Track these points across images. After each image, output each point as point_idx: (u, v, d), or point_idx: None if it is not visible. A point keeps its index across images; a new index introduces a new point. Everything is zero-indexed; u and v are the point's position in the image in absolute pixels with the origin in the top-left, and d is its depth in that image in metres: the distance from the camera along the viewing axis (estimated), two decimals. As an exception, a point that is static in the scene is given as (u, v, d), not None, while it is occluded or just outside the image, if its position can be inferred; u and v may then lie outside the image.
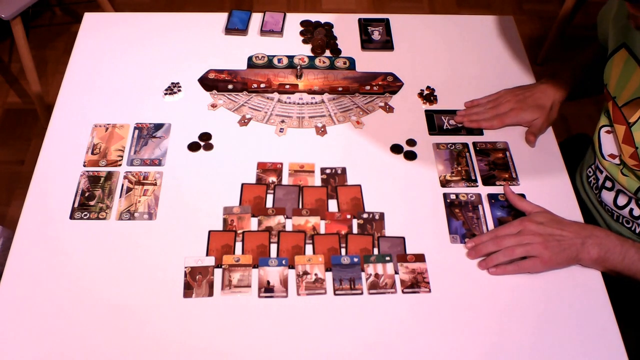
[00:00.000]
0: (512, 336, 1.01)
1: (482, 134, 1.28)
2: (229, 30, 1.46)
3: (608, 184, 1.22)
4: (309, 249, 1.10)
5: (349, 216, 1.14)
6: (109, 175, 1.19)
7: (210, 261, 1.07)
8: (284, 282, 1.06)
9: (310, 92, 1.35)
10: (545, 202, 1.16)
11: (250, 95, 1.34)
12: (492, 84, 1.36)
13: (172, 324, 1.01)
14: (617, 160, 1.18)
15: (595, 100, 2.43)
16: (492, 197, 1.18)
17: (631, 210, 1.18)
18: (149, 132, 1.26)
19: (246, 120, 1.29)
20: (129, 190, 1.17)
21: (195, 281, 1.05)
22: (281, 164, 1.22)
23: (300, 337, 1.01)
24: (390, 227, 1.14)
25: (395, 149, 1.26)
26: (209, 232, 1.12)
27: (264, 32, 1.47)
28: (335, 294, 1.05)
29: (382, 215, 1.15)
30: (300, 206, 1.16)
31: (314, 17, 1.51)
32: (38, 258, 1.07)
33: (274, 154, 1.24)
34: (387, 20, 1.51)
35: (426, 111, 1.32)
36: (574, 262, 1.08)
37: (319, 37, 1.45)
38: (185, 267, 1.07)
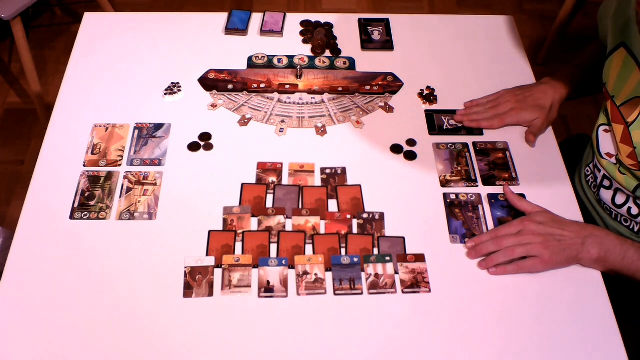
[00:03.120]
0: (512, 336, 1.01)
1: (482, 134, 1.28)
2: (229, 30, 1.47)
3: (606, 182, 1.22)
4: (309, 249, 1.11)
5: (349, 216, 1.14)
6: (109, 175, 1.19)
7: (210, 261, 1.07)
8: (284, 282, 1.06)
9: (310, 92, 1.35)
10: (545, 202, 1.16)
11: (250, 95, 1.34)
12: (492, 84, 1.36)
13: (172, 324, 1.01)
14: (613, 160, 1.18)
15: (595, 101, 2.44)
16: (492, 197, 1.18)
17: (629, 209, 1.18)
18: (149, 132, 1.26)
19: (246, 120, 1.29)
20: (129, 190, 1.17)
21: (195, 281, 1.05)
22: (281, 164, 1.22)
23: (300, 337, 1.01)
24: (390, 227, 1.14)
25: (395, 149, 1.26)
26: (209, 232, 1.12)
27: (264, 32, 1.47)
28: (335, 294, 1.05)
29: (382, 215, 1.15)
30: (300, 206, 1.16)
31: (314, 17, 1.51)
32: (38, 258, 1.07)
33: (274, 154, 1.24)
34: (387, 20, 1.51)
35: (426, 111, 1.32)
36: (574, 262, 1.08)
37: (319, 37, 1.46)
38: (185, 267, 1.07)
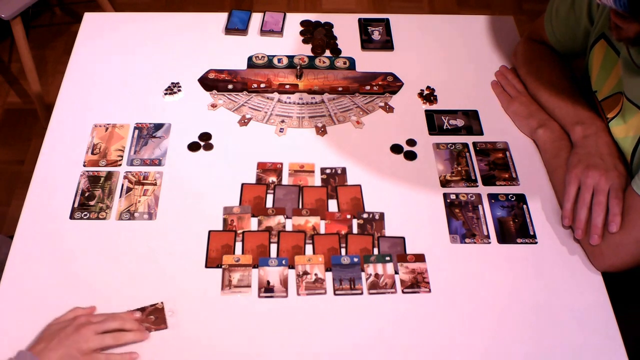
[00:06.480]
0: (512, 336, 1.01)
1: (482, 134, 1.28)
2: (229, 30, 1.47)
3: None
4: (309, 249, 1.11)
5: (349, 216, 1.14)
6: (109, 175, 1.19)
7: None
8: (284, 282, 1.06)
9: (310, 92, 1.35)
10: (545, 202, 1.17)
11: (250, 95, 1.34)
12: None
13: (171, 323, 1.01)
14: None
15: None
16: (492, 197, 1.18)
17: None
18: (149, 132, 1.26)
19: (246, 120, 1.29)
20: (129, 190, 1.17)
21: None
22: (281, 164, 1.22)
23: (300, 337, 1.01)
24: (390, 227, 1.14)
25: (395, 149, 1.26)
26: (209, 232, 1.12)
27: (264, 32, 1.47)
28: (335, 294, 1.05)
29: (382, 215, 1.15)
30: (300, 206, 1.16)
31: (314, 17, 1.51)
32: (38, 258, 1.07)
33: (274, 154, 1.24)
34: (387, 20, 1.51)
35: (426, 111, 1.32)
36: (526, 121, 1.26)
37: (319, 37, 1.46)
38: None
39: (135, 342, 0.98)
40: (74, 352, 0.93)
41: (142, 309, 1.01)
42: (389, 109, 1.33)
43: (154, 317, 1.01)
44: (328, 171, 1.21)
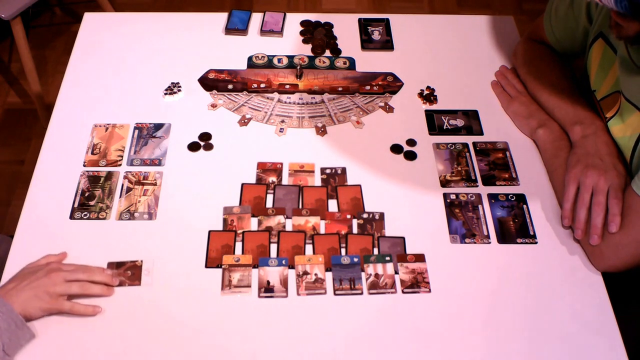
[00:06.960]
0: (512, 336, 1.01)
1: (482, 134, 1.28)
2: (229, 30, 1.47)
3: None
4: (309, 249, 1.11)
5: (349, 216, 1.14)
6: (109, 175, 1.19)
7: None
8: (284, 282, 1.06)
9: (310, 92, 1.35)
10: (545, 202, 1.17)
11: (250, 95, 1.34)
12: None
13: (171, 323, 1.01)
14: None
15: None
16: (492, 197, 1.18)
17: None
18: (149, 132, 1.26)
19: (246, 120, 1.29)
20: (129, 190, 1.17)
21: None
22: (281, 164, 1.22)
23: (300, 337, 1.01)
24: (390, 227, 1.14)
25: (395, 149, 1.26)
26: (209, 232, 1.12)
27: (264, 32, 1.47)
28: (335, 294, 1.05)
29: (382, 215, 1.15)
30: (300, 206, 1.16)
31: (314, 17, 1.51)
32: (38, 258, 1.07)
33: (274, 154, 1.24)
34: (387, 20, 1.51)
35: (426, 111, 1.32)
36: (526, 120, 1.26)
37: (319, 37, 1.46)
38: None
39: (101, 296, 1.02)
40: (41, 293, 0.98)
41: (121, 264, 1.06)
42: (389, 109, 1.33)
43: (130, 272, 1.05)
44: (328, 171, 1.21)
